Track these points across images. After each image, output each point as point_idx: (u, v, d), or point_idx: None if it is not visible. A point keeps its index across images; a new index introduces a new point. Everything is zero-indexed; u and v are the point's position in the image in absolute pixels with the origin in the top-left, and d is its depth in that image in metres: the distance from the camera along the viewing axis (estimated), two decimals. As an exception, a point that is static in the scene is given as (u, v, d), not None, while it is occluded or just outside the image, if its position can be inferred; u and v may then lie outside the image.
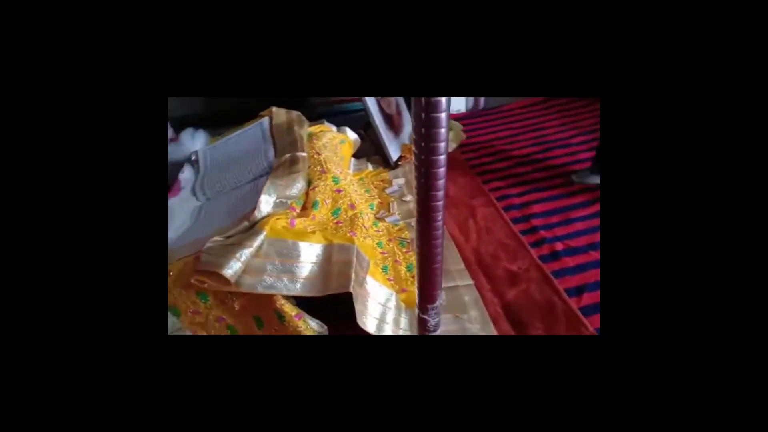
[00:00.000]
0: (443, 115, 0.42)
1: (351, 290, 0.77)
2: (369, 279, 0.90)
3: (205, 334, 0.85)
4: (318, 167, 1.06)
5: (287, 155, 1.08)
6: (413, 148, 0.47)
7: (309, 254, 0.83)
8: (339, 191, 1.04)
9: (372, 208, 1.32)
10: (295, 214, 0.90)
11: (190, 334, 0.85)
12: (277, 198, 0.91)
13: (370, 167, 1.57)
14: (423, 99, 0.42)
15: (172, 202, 1.11)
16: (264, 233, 0.82)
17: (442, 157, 0.46)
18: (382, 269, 1.06)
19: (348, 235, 0.91)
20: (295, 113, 1.36)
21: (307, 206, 0.96)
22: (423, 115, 0.42)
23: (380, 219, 1.26)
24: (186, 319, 0.84)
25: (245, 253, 0.78)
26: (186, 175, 1.22)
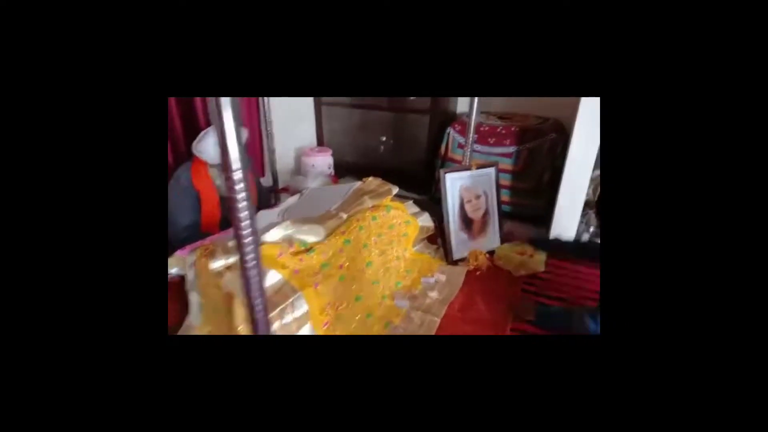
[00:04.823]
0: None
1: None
2: (308, 325, 1.07)
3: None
4: (342, 228, 1.30)
5: (333, 211, 1.37)
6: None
7: (270, 279, 1.08)
8: (341, 251, 1.24)
9: (398, 285, 1.43)
10: (290, 250, 1.17)
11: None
12: (287, 234, 1.20)
13: (431, 254, 1.66)
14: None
15: (265, 212, 1.57)
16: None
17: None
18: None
19: (310, 282, 1.11)
20: (387, 187, 1.61)
21: (304, 250, 1.21)
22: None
23: (391, 297, 1.37)
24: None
25: (233, 258, 1.10)
26: (289, 201, 1.67)
